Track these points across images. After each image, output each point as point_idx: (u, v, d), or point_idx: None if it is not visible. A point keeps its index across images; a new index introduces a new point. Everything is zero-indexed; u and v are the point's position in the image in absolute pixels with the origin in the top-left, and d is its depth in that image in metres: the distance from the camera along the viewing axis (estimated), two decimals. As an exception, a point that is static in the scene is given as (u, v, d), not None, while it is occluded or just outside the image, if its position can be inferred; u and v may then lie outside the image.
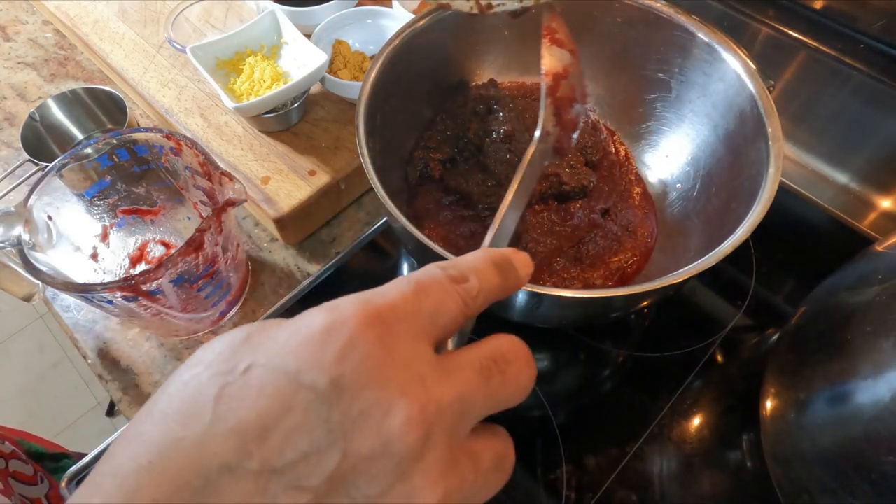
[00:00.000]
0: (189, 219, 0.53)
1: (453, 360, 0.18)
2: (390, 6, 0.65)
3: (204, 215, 0.50)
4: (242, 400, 0.15)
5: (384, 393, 0.16)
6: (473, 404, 0.18)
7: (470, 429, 0.18)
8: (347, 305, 0.17)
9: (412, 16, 0.62)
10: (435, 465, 0.16)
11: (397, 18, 0.64)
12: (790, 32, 0.64)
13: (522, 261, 0.23)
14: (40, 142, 0.59)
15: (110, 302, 0.39)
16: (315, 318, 0.17)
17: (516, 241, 0.47)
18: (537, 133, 0.36)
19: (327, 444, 0.15)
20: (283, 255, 0.57)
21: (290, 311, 0.52)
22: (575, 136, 0.37)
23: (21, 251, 0.39)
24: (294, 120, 0.60)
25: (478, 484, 0.18)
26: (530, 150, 0.33)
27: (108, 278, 0.48)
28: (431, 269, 0.20)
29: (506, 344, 0.20)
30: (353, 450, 0.15)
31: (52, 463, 0.68)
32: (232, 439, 0.15)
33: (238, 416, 0.15)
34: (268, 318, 0.52)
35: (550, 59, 0.37)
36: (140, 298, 0.39)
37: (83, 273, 0.45)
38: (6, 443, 0.64)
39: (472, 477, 0.17)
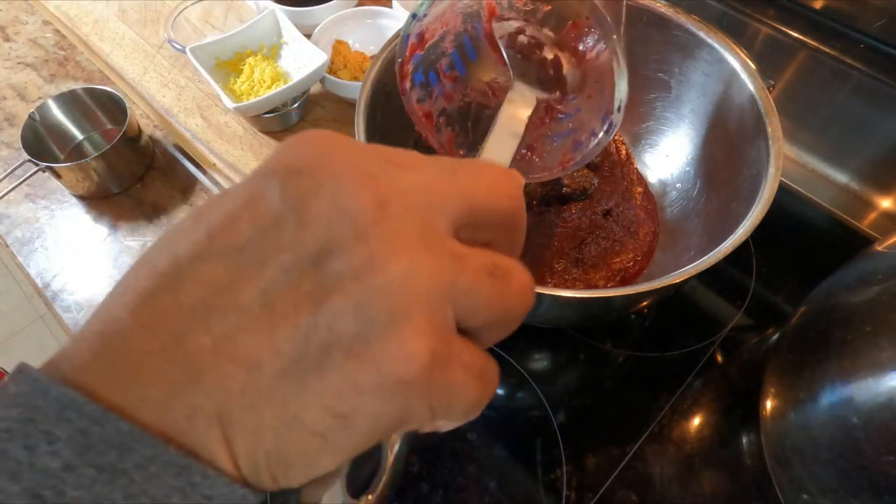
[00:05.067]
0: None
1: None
2: (390, 6, 0.65)
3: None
4: (214, 208, 0.15)
5: (343, 168, 0.15)
6: (444, 199, 0.16)
7: (449, 232, 0.15)
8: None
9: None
10: (395, 229, 0.14)
11: (397, 18, 0.64)
12: (790, 32, 0.64)
13: (517, 179, 0.20)
14: (40, 142, 0.59)
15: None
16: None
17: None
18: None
19: (284, 216, 0.14)
20: (283, 255, 0.57)
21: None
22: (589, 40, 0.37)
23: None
24: (294, 120, 0.60)
25: (467, 281, 0.15)
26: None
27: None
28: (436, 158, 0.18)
29: (517, 267, 0.17)
30: (307, 217, 0.14)
31: None
32: (201, 233, 0.15)
33: (208, 217, 0.15)
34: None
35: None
36: None
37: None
38: None
39: (458, 266, 0.15)
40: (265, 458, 0.14)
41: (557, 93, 0.38)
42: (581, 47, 0.39)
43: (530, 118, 0.34)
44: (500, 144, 0.28)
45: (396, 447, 0.21)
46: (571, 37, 0.39)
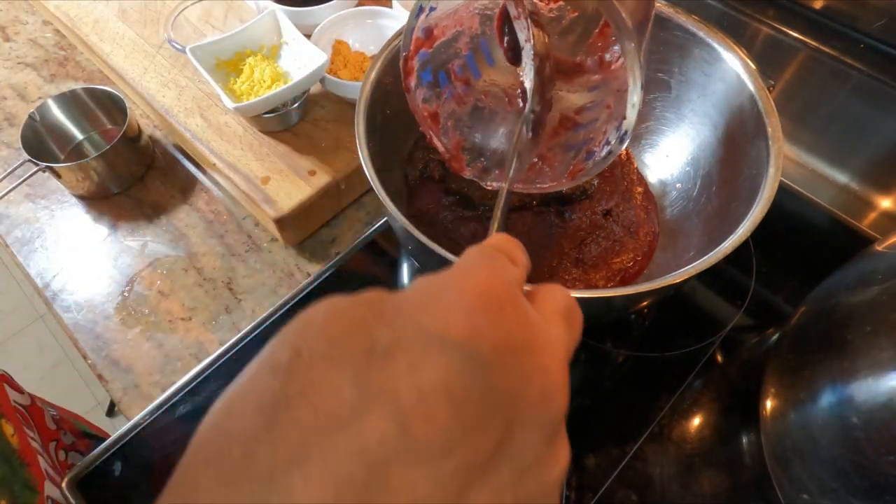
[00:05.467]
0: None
1: (543, 310, 0.18)
2: (390, 6, 0.65)
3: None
4: (396, 376, 0.13)
5: (534, 357, 0.15)
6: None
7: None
8: (472, 268, 0.17)
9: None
10: (563, 425, 0.17)
11: (397, 18, 0.64)
12: (790, 32, 0.64)
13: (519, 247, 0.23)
14: (40, 142, 0.60)
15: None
16: (458, 279, 0.16)
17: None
18: (527, 110, 0.35)
19: (492, 414, 0.14)
20: (283, 255, 0.57)
21: (290, 311, 0.52)
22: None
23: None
24: (294, 120, 0.60)
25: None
26: (519, 129, 0.33)
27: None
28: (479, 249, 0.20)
29: (567, 298, 0.20)
30: (516, 418, 0.14)
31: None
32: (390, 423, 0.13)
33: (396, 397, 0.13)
34: (266, 318, 0.52)
35: (539, 41, 0.36)
36: None
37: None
38: (67, 433, 0.66)
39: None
40: None
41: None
42: (608, 56, 0.38)
43: (545, 130, 0.34)
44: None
45: None
46: (598, 46, 0.39)
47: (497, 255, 0.19)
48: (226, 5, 0.71)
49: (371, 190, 0.56)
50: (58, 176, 0.57)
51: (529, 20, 0.35)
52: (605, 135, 0.36)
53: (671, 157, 0.53)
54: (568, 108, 0.38)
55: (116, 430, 0.47)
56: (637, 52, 0.29)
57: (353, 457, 0.12)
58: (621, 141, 0.34)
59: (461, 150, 0.41)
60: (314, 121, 0.60)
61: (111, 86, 0.63)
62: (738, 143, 0.45)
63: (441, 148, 0.40)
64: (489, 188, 0.42)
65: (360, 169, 0.54)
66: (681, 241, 0.49)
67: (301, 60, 0.59)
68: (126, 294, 0.54)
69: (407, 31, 0.37)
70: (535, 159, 0.39)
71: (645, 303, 0.47)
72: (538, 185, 0.38)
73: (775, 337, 0.50)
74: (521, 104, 0.38)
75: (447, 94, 0.40)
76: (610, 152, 0.35)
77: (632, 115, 0.32)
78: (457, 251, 0.46)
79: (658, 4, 0.48)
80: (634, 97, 0.31)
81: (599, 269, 0.48)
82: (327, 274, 0.54)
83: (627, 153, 0.55)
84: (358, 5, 0.67)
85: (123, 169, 0.59)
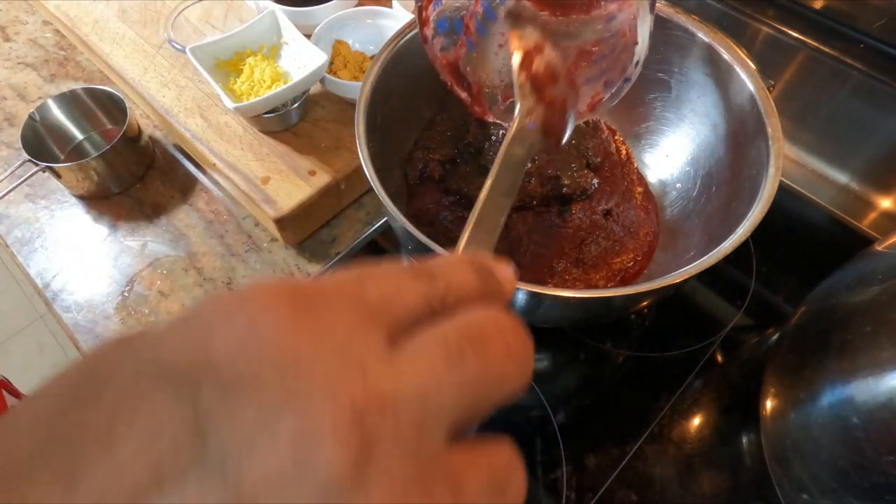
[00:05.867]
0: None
1: (411, 341, 0.13)
2: (390, 6, 0.65)
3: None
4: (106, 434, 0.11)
5: (299, 388, 0.11)
6: (441, 399, 0.13)
7: (445, 436, 0.13)
8: (256, 285, 0.13)
9: (412, 16, 0.62)
10: (385, 494, 0.11)
11: (397, 18, 0.64)
12: (790, 32, 0.64)
13: (504, 273, 0.17)
14: (40, 142, 0.59)
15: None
16: (208, 301, 0.13)
17: (517, 244, 0.47)
18: (516, 112, 0.33)
19: (207, 481, 0.10)
20: (283, 255, 0.57)
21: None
22: (569, 117, 0.34)
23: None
24: (294, 120, 0.59)
25: None
26: (510, 132, 0.30)
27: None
28: (388, 265, 0.15)
29: (485, 316, 0.14)
30: (245, 480, 0.10)
31: None
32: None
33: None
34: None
35: (519, 38, 0.35)
36: None
37: None
38: None
39: (455, 495, 0.12)
40: None
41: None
42: None
43: (565, 66, 0.32)
44: (481, 232, 0.23)
45: None
46: None
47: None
48: (226, 5, 0.71)
49: (371, 190, 0.56)
50: (58, 176, 0.57)
51: None
52: (622, 63, 0.35)
53: (671, 157, 0.53)
54: (585, 42, 0.37)
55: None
56: None
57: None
58: (636, 67, 0.34)
59: (482, 93, 0.40)
60: (314, 121, 0.60)
61: (111, 86, 0.62)
62: (738, 143, 0.45)
63: (462, 94, 0.40)
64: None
65: (360, 169, 0.54)
66: (681, 241, 0.49)
67: (301, 60, 0.59)
68: (126, 294, 0.54)
69: None
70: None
71: (645, 303, 0.47)
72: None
73: (775, 337, 0.50)
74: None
75: (466, 42, 0.38)
76: (627, 79, 0.35)
77: (643, 39, 0.32)
78: (457, 251, 0.46)
79: (658, 5, 0.48)
80: (645, 26, 0.31)
81: (599, 269, 0.48)
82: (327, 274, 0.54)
83: (627, 153, 0.55)
84: (358, 5, 0.67)
85: (123, 169, 0.59)
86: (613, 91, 0.36)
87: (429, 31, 0.38)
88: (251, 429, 0.10)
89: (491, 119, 0.41)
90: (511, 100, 0.41)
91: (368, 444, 0.11)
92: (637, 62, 0.34)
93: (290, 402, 0.11)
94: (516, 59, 0.34)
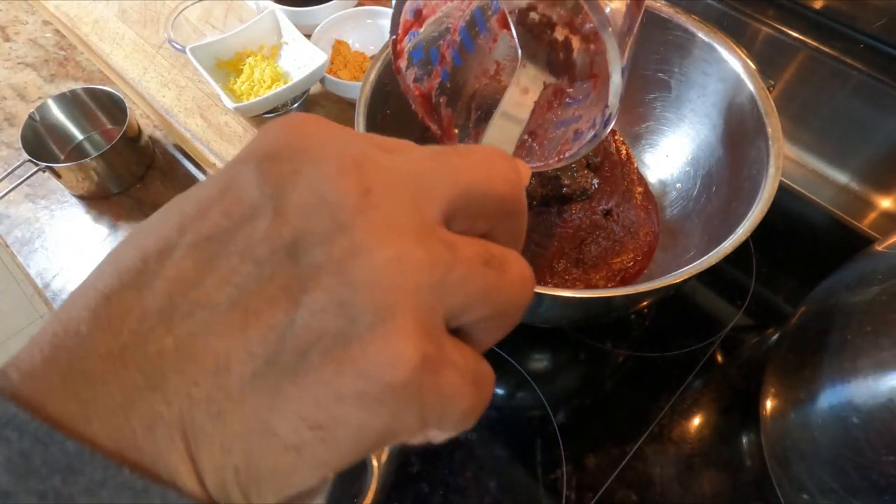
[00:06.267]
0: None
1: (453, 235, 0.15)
2: (390, 6, 0.65)
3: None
4: (187, 199, 0.14)
5: (323, 153, 0.14)
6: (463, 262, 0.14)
7: (444, 223, 0.14)
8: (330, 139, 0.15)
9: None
10: (380, 219, 0.13)
11: (397, 18, 0.64)
12: (790, 32, 0.64)
13: (525, 168, 0.18)
14: (40, 142, 0.59)
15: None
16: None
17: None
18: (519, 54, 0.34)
19: (260, 205, 0.13)
20: (283, 255, 0.57)
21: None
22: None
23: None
24: (294, 120, 0.60)
25: (459, 273, 0.13)
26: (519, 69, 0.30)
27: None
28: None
29: (518, 258, 0.16)
30: (284, 206, 0.13)
31: None
32: (171, 225, 0.13)
33: (180, 208, 0.14)
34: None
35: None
36: None
37: None
38: None
39: (449, 257, 0.13)
40: (234, 475, 0.12)
41: (566, 78, 0.37)
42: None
43: (537, 102, 0.33)
44: (503, 131, 0.25)
45: (384, 459, 0.20)
46: (589, 18, 0.38)
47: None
48: (226, 5, 0.71)
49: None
50: (58, 176, 0.57)
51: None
52: (594, 114, 0.36)
53: (671, 157, 0.53)
54: (559, 82, 0.38)
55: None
56: (613, 36, 0.29)
57: (134, 248, 0.13)
58: (605, 125, 0.34)
59: (453, 126, 0.41)
60: (314, 121, 0.60)
61: (111, 86, 0.62)
62: (738, 143, 0.45)
63: (433, 126, 0.40)
64: None
65: (360, 169, 0.54)
66: (681, 241, 0.49)
67: (301, 60, 0.59)
68: (126, 294, 0.54)
69: (395, 14, 0.36)
70: (526, 136, 0.38)
71: (645, 303, 0.47)
72: (530, 165, 0.38)
73: (775, 337, 0.50)
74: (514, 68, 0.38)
75: (441, 73, 0.39)
76: (595, 135, 0.35)
77: (614, 100, 0.32)
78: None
79: (658, 4, 0.48)
80: (615, 81, 0.31)
81: (600, 269, 0.48)
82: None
83: (627, 153, 0.55)
84: (358, 5, 0.67)
85: (123, 169, 0.59)
86: (582, 143, 0.36)
87: (402, 63, 0.38)
88: (286, 182, 0.13)
89: None
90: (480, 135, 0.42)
91: (367, 188, 0.13)
92: (608, 118, 0.34)
93: (310, 164, 0.14)
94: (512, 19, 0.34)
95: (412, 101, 0.40)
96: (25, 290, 1.53)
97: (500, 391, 0.48)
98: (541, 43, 0.36)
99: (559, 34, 0.37)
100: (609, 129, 0.34)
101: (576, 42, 0.36)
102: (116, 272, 0.13)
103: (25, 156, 0.55)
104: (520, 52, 0.35)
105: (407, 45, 0.38)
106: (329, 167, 0.13)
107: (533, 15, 0.37)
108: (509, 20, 0.37)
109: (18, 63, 0.71)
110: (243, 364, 0.12)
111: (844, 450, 0.35)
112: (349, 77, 0.60)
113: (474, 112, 0.42)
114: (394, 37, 0.37)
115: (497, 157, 0.16)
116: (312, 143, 0.14)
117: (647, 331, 0.52)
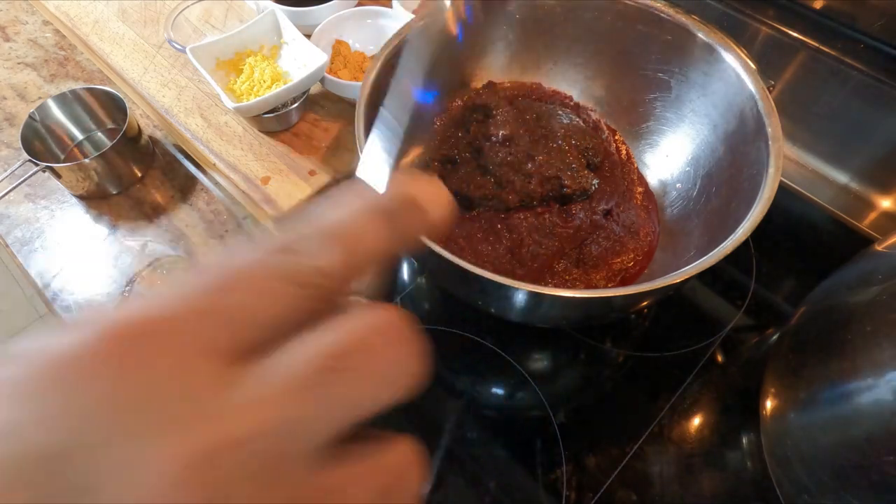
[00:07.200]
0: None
1: (267, 369, 0.12)
2: (390, 6, 0.65)
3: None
4: None
5: (132, 444, 0.10)
6: (303, 423, 0.12)
7: (313, 458, 0.12)
8: (96, 320, 0.12)
9: (412, 16, 0.62)
10: None
11: (397, 18, 0.64)
12: (790, 32, 0.64)
13: (434, 193, 0.15)
14: (40, 142, 0.59)
15: None
16: (45, 343, 0.12)
17: (518, 244, 0.47)
18: None
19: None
20: (283, 255, 0.57)
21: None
22: None
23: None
24: (294, 120, 0.59)
25: None
26: None
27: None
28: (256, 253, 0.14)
29: (363, 320, 0.13)
30: None
31: None
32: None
33: None
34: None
35: None
36: None
37: None
38: None
39: None
40: None
41: None
42: None
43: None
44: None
45: None
46: None
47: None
48: (226, 5, 0.71)
49: (371, 190, 0.55)
50: (58, 176, 0.57)
51: None
52: None
53: (671, 157, 0.53)
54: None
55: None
56: None
57: None
58: None
59: None
60: (314, 121, 0.60)
61: (111, 86, 0.62)
62: (738, 143, 0.45)
63: None
64: None
65: (360, 169, 0.54)
66: (681, 241, 0.49)
67: (301, 60, 0.59)
68: (126, 294, 0.54)
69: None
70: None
71: (645, 303, 0.47)
72: None
73: (775, 337, 0.50)
74: None
75: None
76: None
77: None
78: (456, 252, 0.46)
79: (658, 4, 0.48)
80: None
81: (600, 269, 0.48)
82: (327, 274, 0.54)
83: (627, 153, 0.55)
84: (358, 5, 0.67)
85: (123, 169, 0.59)
86: None
87: None
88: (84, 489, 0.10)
89: None
90: None
91: (212, 492, 0.11)
92: None
93: (123, 459, 0.11)
94: None
95: None
96: (25, 290, 1.53)
97: (500, 391, 0.48)
98: None
99: None
100: None
101: None
102: None
103: (25, 156, 0.55)
104: None
105: None
106: (148, 475, 0.10)
107: None
108: None
109: (18, 63, 0.71)
110: None
111: (844, 450, 0.35)
112: (349, 77, 0.60)
113: None
114: None
115: (397, 357, 0.13)
116: (123, 420, 0.11)
117: (647, 331, 0.52)
